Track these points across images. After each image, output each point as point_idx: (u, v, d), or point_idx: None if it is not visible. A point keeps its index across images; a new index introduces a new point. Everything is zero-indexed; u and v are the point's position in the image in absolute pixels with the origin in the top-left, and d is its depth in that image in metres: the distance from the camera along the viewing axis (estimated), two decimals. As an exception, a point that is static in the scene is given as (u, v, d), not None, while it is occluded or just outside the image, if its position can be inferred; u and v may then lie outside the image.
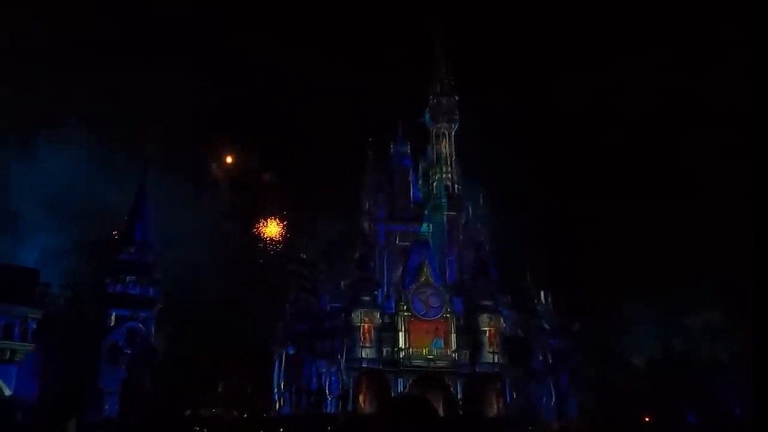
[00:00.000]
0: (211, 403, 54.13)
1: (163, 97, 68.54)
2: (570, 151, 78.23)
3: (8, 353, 40.30)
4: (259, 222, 67.27)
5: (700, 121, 70.99)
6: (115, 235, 49.10)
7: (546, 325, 55.25)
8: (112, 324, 45.19)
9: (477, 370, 49.60)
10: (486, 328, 50.97)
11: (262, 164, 75.08)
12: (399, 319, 49.88)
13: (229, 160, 76.26)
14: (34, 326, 41.52)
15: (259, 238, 66.65)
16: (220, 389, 55.84)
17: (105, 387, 43.04)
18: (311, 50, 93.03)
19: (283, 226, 67.11)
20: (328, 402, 48.49)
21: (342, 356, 48.38)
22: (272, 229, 66.50)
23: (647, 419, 52.60)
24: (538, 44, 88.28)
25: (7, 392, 40.08)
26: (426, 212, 59.95)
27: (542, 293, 57.05)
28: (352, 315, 49.27)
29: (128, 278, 45.63)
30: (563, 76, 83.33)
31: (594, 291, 58.21)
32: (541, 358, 53.50)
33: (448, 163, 61.67)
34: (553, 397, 52.51)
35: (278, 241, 65.84)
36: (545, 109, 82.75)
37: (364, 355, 48.35)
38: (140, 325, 45.49)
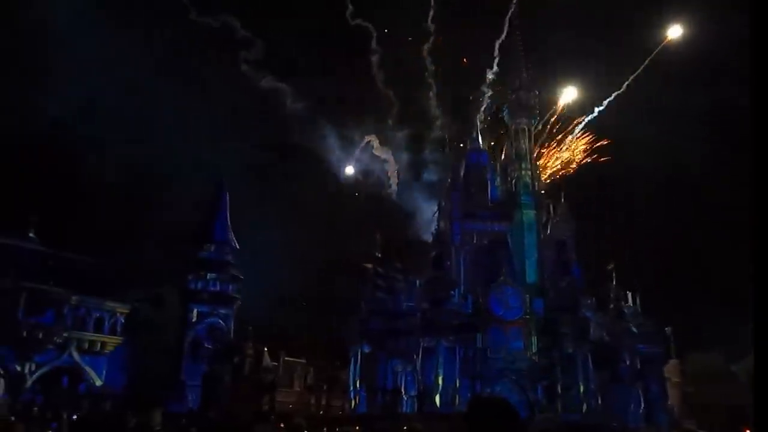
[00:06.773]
0: (287, 398, 54.71)
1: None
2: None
3: (99, 345, 42.41)
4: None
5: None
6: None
7: (634, 329, 52.24)
8: (193, 320, 46.44)
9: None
10: (568, 331, 48.86)
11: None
12: (476, 319, 48.55)
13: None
14: (122, 320, 43.48)
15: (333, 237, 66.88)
16: (296, 386, 56.39)
17: (188, 380, 44.27)
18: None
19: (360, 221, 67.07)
20: (404, 401, 47.87)
21: (417, 356, 47.63)
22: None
23: (747, 432, 48.65)
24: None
25: (98, 382, 42.13)
26: (505, 211, 58.11)
27: (629, 295, 54.03)
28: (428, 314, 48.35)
29: (209, 275, 46.73)
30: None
31: (687, 292, 54.39)
32: (628, 363, 50.65)
33: (528, 160, 59.65)
34: (642, 405, 49.60)
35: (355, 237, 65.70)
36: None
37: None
38: (220, 321, 46.53)
